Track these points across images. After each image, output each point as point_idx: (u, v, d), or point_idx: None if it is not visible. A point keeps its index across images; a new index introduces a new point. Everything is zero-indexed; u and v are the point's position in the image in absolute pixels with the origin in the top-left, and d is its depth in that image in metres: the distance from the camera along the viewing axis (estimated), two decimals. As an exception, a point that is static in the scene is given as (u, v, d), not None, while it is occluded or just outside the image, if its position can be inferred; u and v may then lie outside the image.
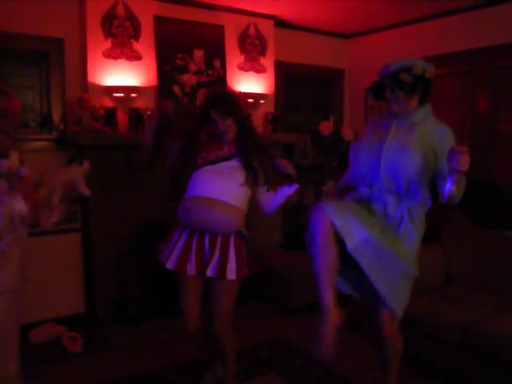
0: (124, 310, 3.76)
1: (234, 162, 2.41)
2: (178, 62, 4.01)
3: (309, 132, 4.93)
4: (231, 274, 2.37)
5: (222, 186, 2.36)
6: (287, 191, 2.46)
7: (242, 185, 2.38)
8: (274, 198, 2.47)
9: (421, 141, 2.20)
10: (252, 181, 2.41)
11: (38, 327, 3.42)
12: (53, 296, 3.67)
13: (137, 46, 3.86)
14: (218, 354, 2.66)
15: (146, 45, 3.89)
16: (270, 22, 4.59)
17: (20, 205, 1.82)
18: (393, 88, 2.25)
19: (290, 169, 2.48)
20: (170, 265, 2.42)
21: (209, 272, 2.36)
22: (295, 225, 4.92)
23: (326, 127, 4.88)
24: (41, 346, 3.36)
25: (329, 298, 2.15)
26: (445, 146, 2.12)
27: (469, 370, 2.78)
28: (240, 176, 2.38)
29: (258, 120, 4.46)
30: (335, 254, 2.12)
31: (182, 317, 2.54)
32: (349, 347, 3.29)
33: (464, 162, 1.92)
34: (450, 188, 2.01)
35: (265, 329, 3.69)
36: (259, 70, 4.54)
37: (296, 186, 2.48)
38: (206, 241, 2.40)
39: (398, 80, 2.23)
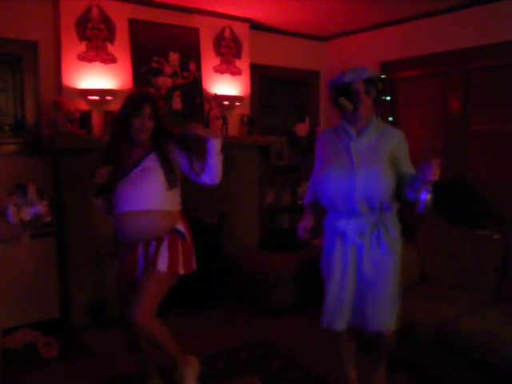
0: (100, 315, 3.74)
1: (146, 163, 2.40)
2: (154, 64, 4.01)
3: (285, 133, 4.98)
4: (162, 265, 2.36)
5: (136, 195, 2.36)
6: (211, 151, 2.38)
7: (159, 185, 2.37)
8: (207, 168, 2.41)
9: (385, 154, 2.28)
10: (171, 175, 2.40)
11: (12, 333, 3.37)
12: (27, 301, 3.63)
13: (112, 48, 3.84)
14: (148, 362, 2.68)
15: (120, 47, 3.88)
16: (246, 25, 4.62)
17: None
18: (368, 93, 2.29)
19: (196, 130, 2.38)
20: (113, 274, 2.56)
21: (140, 270, 2.42)
22: (272, 226, 4.96)
23: (301, 128, 4.93)
24: (16, 351, 3.32)
25: (353, 373, 2.63)
26: (403, 150, 2.31)
27: (443, 367, 2.82)
28: (155, 176, 2.37)
29: (233, 122, 4.48)
30: (354, 346, 2.60)
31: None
32: (326, 347, 3.33)
33: (438, 172, 2.06)
34: (426, 197, 2.09)
35: (243, 330, 3.71)
36: (235, 72, 4.56)
37: (214, 148, 2.37)
38: (140, 249, 2.43)
39: (374, 86, 2.30)
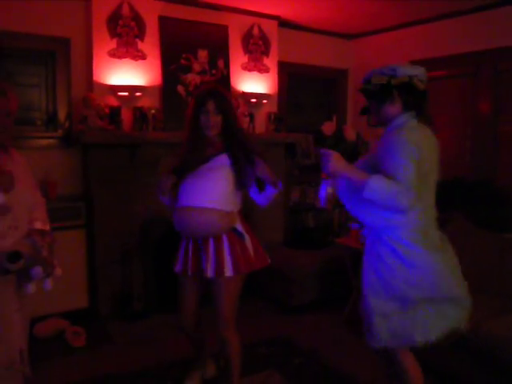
0: (126, 306, 3.82)
1: (215, 162, 2.42)
2: (182, 61, 4.06)
3: (311, 132, 4.97)
4: (229, 270, 2.41)
5: (198, 192, 2.39)
6: (268, 193, 2.44)
7: (224, 185, 2.40)
8: (259, 197, 2.49)
9: None
10: (237, 177, 2.41)
11: (42, 321, 3.47)
12: (57, 291, 3.71)
13: (142, 45, 3.91)
14: (222, 356, 2.69)
15: (150, 44, 3.94)
16: (274, 23, 4.63)
17: None
18: (368, 100, 2.20)
19: (266, 173, 2.40)
20: (175, 268, 2.57)
21: (208, 273, 2.42)
22: (297, 224, 4.97)
23: (328, 127, 4.90)
24: (45, 339, 3.42)
25: None
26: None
27: (467, 370, 2.81)
28: (222, 176, 2.40)
29: (260, 120, 4.51)
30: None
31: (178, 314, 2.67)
32: (347, 346, 3.34)
33: (331, 164, 2.02)
34: (324, 191, 2.13)
35: (265, 326, 3.74)
36: (262, 70, 4.57)
37: (274, 190, 2.43)
38: (200, 245, 2.47)
39: (364, 90, 2.18)
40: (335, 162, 2.02)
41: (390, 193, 1.90)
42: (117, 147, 3.69)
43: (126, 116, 3.79)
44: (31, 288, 1.93)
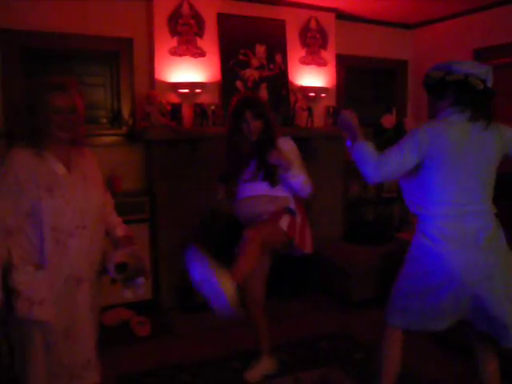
0: (187, 298, 3.91)
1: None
2: (241, 57, 4.10)
3: (370, 125, 4.88)
4: (284, 222, 2.55)
5: (250, 187, 2.62)
6: (290, 181, 2.56)
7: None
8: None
9: None
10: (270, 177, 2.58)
11: (109, 311, 3.62)
12: (123, 282, 3.87)
13: (201, 42, 3.98)
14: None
15: (209, 41, 4.00)
16: (331, 15, 4.58)
17: None
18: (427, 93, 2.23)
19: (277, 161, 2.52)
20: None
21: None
22: (357, 218, 4.90)
23: (388, 120, 4.79)
24: (111, 328, 3.56)
25: None
26: None
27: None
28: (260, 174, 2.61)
29: (319, 114, 4.47)
30: None
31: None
32: (408, 341, 3.27)
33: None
34: None
35: (325, 321, 3.72)
36: (320, 63, 4.54)
37: (290, 175, 2.54)
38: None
39: (423, 83, 2.21)
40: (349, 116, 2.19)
41: (364, 159, 2.12)
42: (178, 143, 3.78)
43: (186, 112, 3.87)
44: (128, 293, 2.08)
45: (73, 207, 1.92)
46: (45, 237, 1.87)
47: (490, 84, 2.04)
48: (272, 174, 2.55)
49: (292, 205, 2.62)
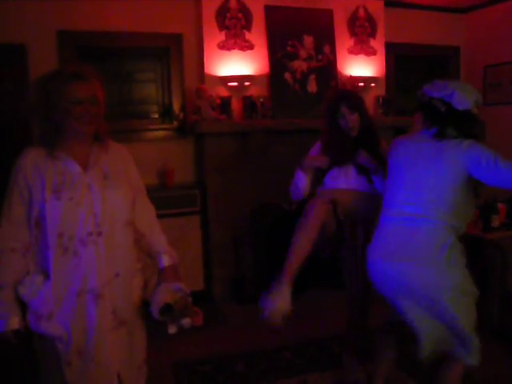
0: (239, 289, 3.97)
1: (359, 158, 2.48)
2: (289, 49, 4.09)
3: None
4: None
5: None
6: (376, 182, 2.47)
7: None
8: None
9: None
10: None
11: (163, 301, 3.70)
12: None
13: (249, 36, 4.00)
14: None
15: (257, 34, 4.02)
16: (380, 3, 4.49)
17: None
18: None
19: (368, 160, 2.45)
20: None
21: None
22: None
23: (440, 108, 4.67)
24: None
25: None
26: None
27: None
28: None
29: (368, 103, 4.37)
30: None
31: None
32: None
33: None
34: None
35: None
36: (369, 52, 4.47)
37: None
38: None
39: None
40: None
41: None
42: (228, 136, 3.83)
43: (235, 105, 3.91)
44: (172, 329, 1.80)
45: (84, 211, 1.65)
46: (50, 244, 1.63)
47: (460, 105, 2.06)
48: (362, 170, 2.44)
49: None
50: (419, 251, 2.02)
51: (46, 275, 1.66)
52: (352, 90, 2.60)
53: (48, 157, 1.67)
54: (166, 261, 1.88)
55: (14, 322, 1.64)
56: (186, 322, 1.81)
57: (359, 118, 2.43)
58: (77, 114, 1.64)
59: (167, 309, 1.75)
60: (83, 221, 1.65)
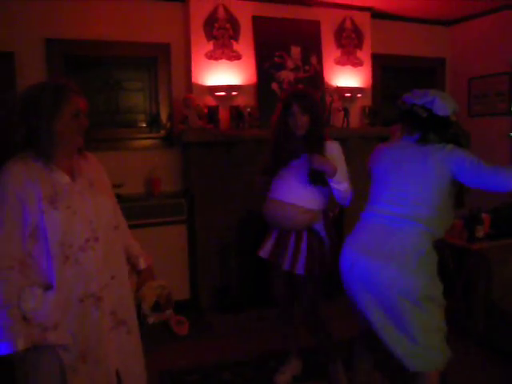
0: (225, 299, 3.96)
1: (302, 160, 2.50)
2: (276, 59, 4.12)
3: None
4: (300, 269, 2.52)
5: (286, 187, 2.52)
6: (336, 188, 2.50)
7: (305, 184, 2.47)
8: (336, 194, 2.54)
9: None
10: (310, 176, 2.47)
11: (149, 311, 3.69)
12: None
13: (237, 46, 4.03)
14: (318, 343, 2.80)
15: (245, 44, 4.04)
16: (367, 15, 4.55)
17: None
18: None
19: (322, 164, 2.43)
20: (261, 253, 2.74)
21: (285, 264, 2.56)
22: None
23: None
24: (151, 326, 3.63)
25: None
26: None
27: None
28: (303, 175, 2.48)
29: (355, 114, 4.46)
30: None
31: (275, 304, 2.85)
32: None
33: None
34: None
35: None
36: (356, 63, 4.52)
37: (337, 184, 2.48)
38: (282, 235, 2.61)
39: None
40: None
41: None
42: (215, 145, 3.84)
43: (223, 115, 3.92)
44: (151, 319, 2.03)
45: (81, 218, 1.71)
46: (52, 254, 1.66)
47: (440, 111, 2.14)
48: (315, 177, 2.45)
49: (319, 225, 2.57)
50: (394, 251, 2.05)
51: (46, 286, 1.68)
52: (308, 91, 2.62)
53: (41, 168, 1.69)
54: (143, 263, 2.05)
55: (22, 342, 1.62)
56: (168, 312, 2.08)
57: (309, 121, 2.48)
58: (75, 127, 1.72)
59: (155, 305, 2.00)
60: (81, 228, 1.71)
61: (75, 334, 1.71)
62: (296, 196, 2.49)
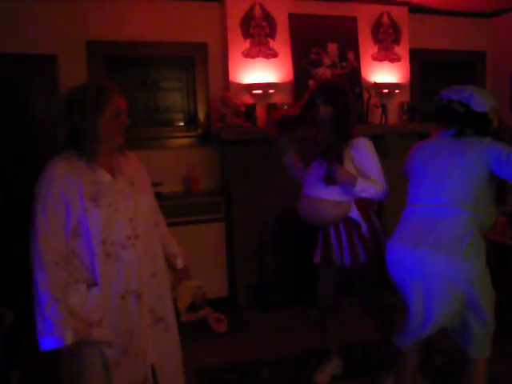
0: (262, 296, 3.96)
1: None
2: (313, 56, 4.10)
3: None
4: (348, 259, 2.53)
5: (314, 184, 2.55)
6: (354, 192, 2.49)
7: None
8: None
9: None
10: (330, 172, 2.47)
11: (188, 307, 3.74)
12: (202, 280, 3.98)
13: (273, 44, 4.02)
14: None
15: (281, 42, 4.04)
16: (404, 9, 4.47)
17: None
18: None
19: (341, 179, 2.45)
20: (314, 260, 2.72)
21: (336, 258, 2.58)
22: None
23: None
24: (189, 324, 3.67)
25: None
26: None
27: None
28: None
29: (393, 110, 4.39)
30: None
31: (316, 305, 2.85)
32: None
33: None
34: None
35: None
36: (393, 59, 4.45)
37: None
38: (325, 235, 2.61)
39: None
40: None
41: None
42: (252, 143, 3.85)
43: (260, 113, 3.94)
44: (186, 318, 2.13)
45: (122, 216, 1.75)
46: (95, 251, 1.70)
47: (478, 107, 2.12)
48: (331, 182, 2.45)
49: (354, 213, 2.53)
50: (442, 240, 2.04)
51: (89, 283, 1.73)
52: (334, 83, 2.57)
53: (84, 166, 1.73)
54: (180, 262, 2.09)
55: (71, 336, 1.66)
56: (201, 313, 2.19)
57: (332, 114, 2.45)
58: (117, 126, 1.76)
59: (191, 305, 2.10)
60: (122, 225, 1.75)
61: (117, 329, 1.75)
62: (325, 191, 2.49)
